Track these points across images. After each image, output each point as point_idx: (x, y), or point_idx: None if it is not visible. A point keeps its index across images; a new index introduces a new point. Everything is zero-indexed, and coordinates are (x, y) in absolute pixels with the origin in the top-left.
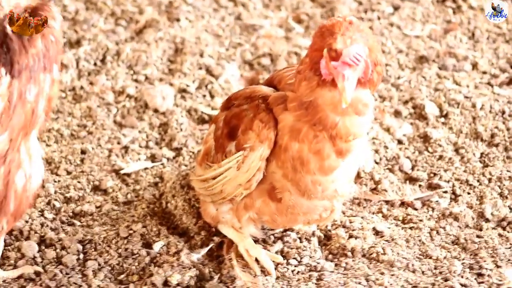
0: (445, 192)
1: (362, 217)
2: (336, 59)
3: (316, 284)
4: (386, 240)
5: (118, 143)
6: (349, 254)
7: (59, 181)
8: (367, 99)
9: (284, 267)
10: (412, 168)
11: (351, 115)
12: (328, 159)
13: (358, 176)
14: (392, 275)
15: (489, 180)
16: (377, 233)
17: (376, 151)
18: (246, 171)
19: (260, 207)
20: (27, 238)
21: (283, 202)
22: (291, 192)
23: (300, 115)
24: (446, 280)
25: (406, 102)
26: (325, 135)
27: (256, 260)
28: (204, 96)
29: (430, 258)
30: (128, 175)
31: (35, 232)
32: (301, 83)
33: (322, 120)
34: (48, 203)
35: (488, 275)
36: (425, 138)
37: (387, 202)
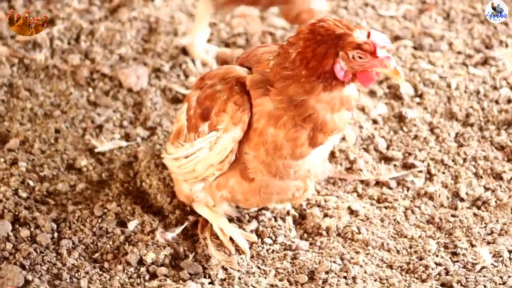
0: (420, 171)
1: (337, 197)
2: (372, 50)
3: (290, 263)
4: (361, 219)
5: (92, 122)
6: (324, 233)
7: (33, 160)
8: (357, 94)
9: (259, 246)
10: (387, 148)
11: (342, 111)
12: (301, 148)
13: (333, 155)
14: (367, 254)
15: (464, 159)
16: (352, 212)
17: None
18: (219, 153)
19: (233, 187)
20: (1, 217)
21: (256, 182)
22: (263, 173)
23: (286, 108)
24: (421, 259)
25: (381, 82)
26: (305, 127)
27: (231, 239)
28: (179, 75)
29: (405, 237)
30: (103, 154)
31: (9, 211)
32: (289, 87)
33: (313, 118)
34: (22, 182)
35: (463, 254)
36: (400, 118)
37: (362, 181)
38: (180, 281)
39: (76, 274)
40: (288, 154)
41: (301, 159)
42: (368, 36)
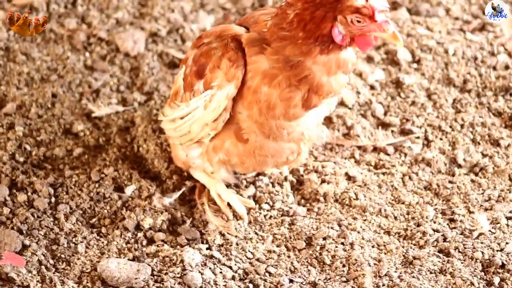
0: (418, 137)
1: (334, 162)
2: (370, 14)
3: (288, 228)
4: (359, 185)
5: (89, 86)
6: (322, 199)
7: (30, 124)
8: (354, 57)
9: (256, 211)
10: (385, 114)
11: (338, 74)
12: (294, 108)
13: (330, 121)
14: (365, 220)
15: (462, 126)
16: (349, 178)
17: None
18: (213, 110)
19: (229, 148)
20: None
21: (250, 143)
22: (256, 134)
23: (282, 68)
24: (418, 225)
25: (378, 48)
26: (300, 88)
27: (229, 204)
28: (176, 40)
29: (403, 203)
30: (99, 119)
31: (6, 176)
32: (286, 47)
33: (309, 80)
34: (19, 146)
35: (461, 221)
36: (398, 84)
37: (359, 147)
38: (178, 246)
39: (74, 239)
40: (281, 114)
41: (294, 121)
42: (367, 0)
